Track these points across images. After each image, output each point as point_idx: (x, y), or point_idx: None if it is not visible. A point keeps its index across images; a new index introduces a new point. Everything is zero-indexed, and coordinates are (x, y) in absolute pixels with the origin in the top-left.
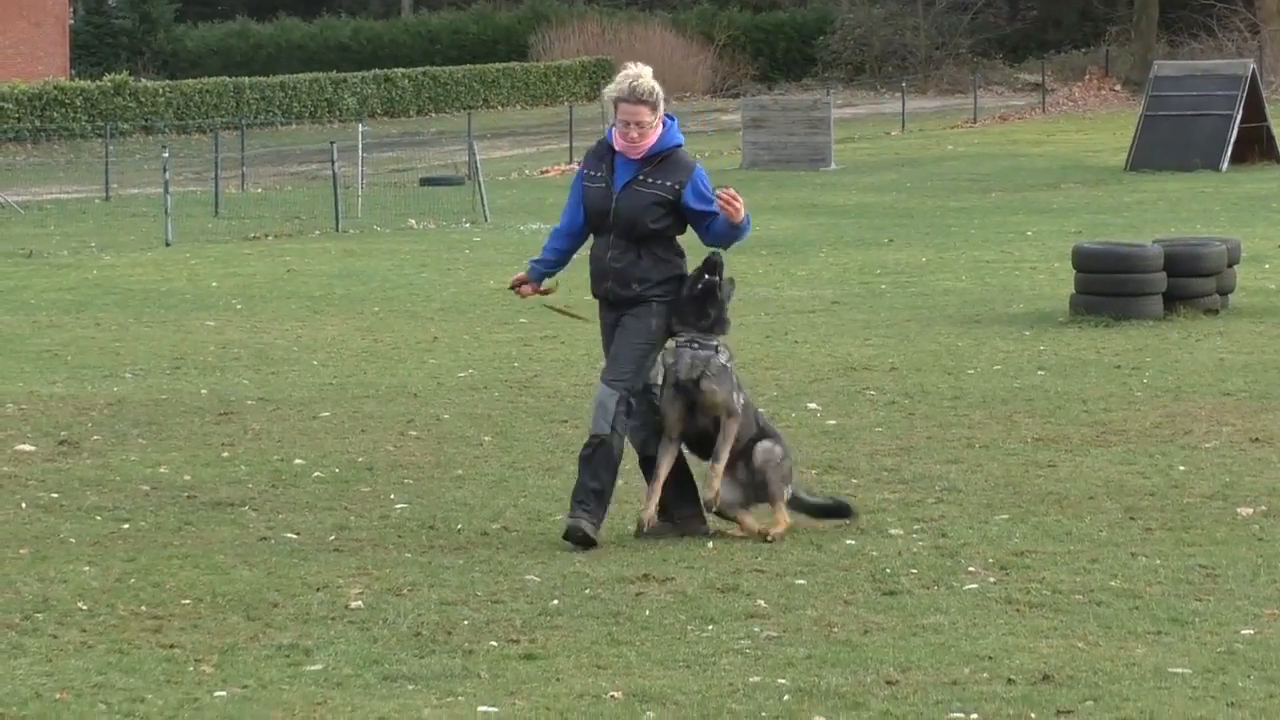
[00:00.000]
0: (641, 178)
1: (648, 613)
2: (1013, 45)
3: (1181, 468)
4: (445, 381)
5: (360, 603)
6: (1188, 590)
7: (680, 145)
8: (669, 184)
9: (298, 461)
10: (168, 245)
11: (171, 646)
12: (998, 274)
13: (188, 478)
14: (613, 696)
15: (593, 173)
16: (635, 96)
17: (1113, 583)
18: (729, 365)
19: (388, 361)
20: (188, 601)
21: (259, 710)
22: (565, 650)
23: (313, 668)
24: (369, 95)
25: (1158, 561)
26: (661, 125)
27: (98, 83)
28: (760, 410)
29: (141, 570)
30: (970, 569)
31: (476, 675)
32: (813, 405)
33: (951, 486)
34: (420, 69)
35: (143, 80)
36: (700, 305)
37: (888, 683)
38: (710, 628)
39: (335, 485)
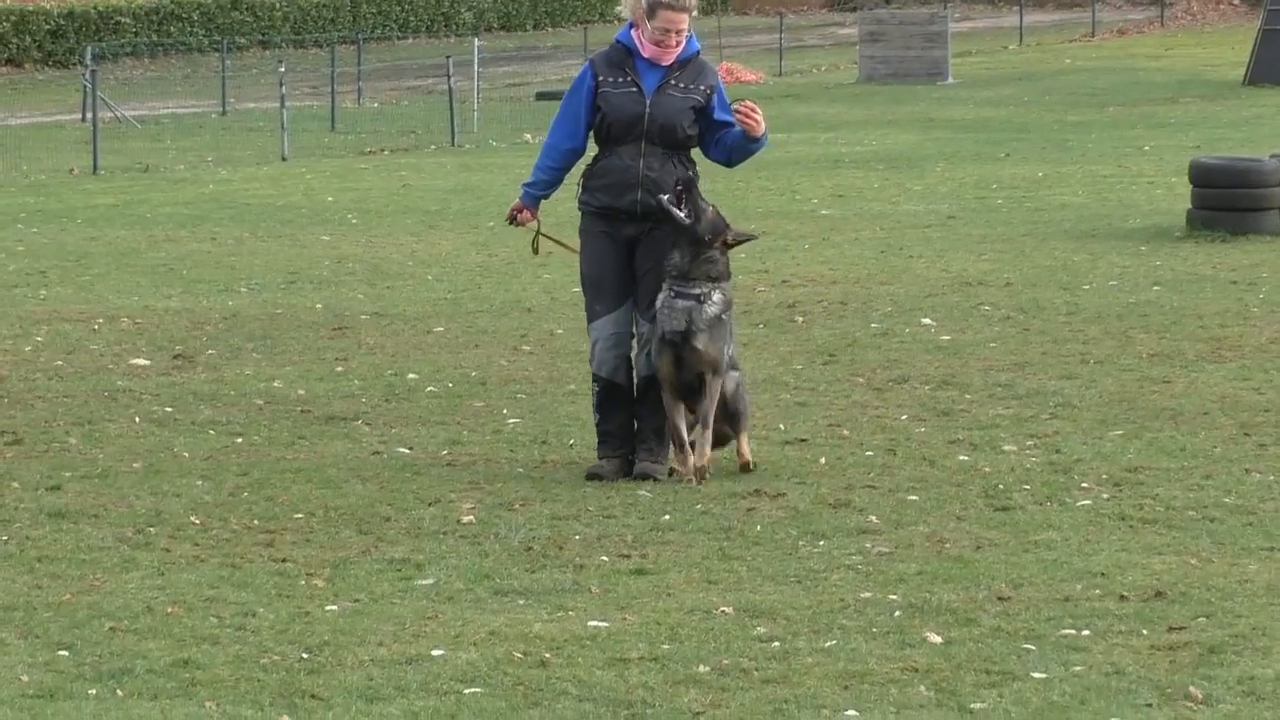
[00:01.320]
0: (673, 82)
1: (759, 528)
2: None
3: None
4: (559, 297)
5: (472, 517)
6: None
7: (699, 51)
8: (702, 88)
9: (411, 376)
10: (284, 160)
11: (283, 560)
12: (1114, 189)
13: (301, 392)
14: (723, 611)
15: (617, 79)
16: (681, 4)
17: (1226, 499)
18: (724, 316)
19: (502, 276)
20: (300, 516)
21: (370, 624)
22: (676, 565)
23: (424, 582)
24: (485, 9)
25: (1271, 478)
26: None
27: None
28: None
29: (254, 485)
30: (1083, 485)
31: (587, 590)
32: (927, 320)
33: (1066, 402)
34: None
35: None
36: (674, 251)
37: (999, 599)
38: (821, 543)
39: (448, 400)
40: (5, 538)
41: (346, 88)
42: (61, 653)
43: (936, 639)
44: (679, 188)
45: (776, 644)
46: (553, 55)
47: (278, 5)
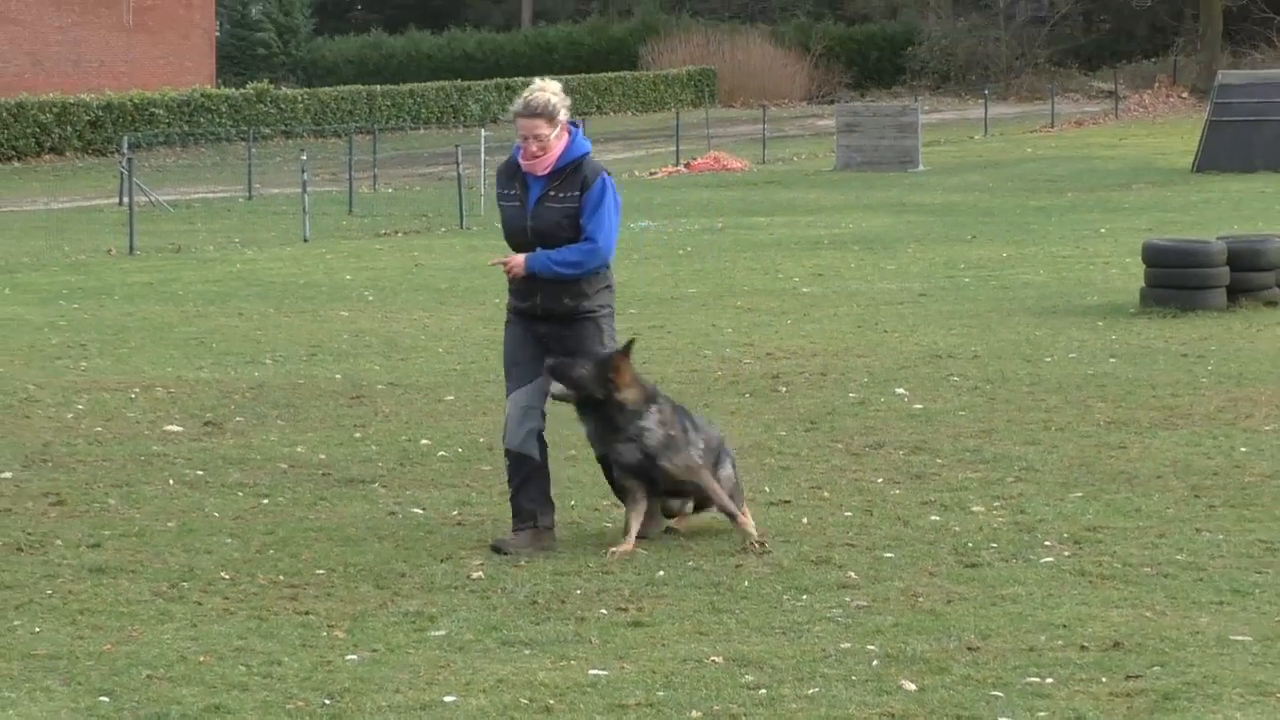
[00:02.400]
0: (551, 192)
1: (746, 583)
2: (1087, 55)
3: (1243, 449)
4: None
5: (481, 573)
6: (1249, 563)
7: (587, 154)
8: (576, 194)
9: (424, 442)
10: (305, 241)
11: (307, 613)
12: (1073, 268)
13: (323, 456)
14: (714, 661)
15: (506, 191)
16: (530, 110)
17: (1179, 556)
18: (667, 428)
19: None
20: (322, 571)
21: (388, 672)
22: (670, 618)
23: (437, 633)
24: (491, 102)
25: (1220, 536)
26: (567, 135)
27: (241, 90)
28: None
29: (280, 542)
30: (1046, 543)
31: (588, 641)
32: (900, 390)
33: (1029, 466)
34: (538, 78)
35: (283, 88)
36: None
37: (969, 649)
38: (804, 597)
39: (458, 464)
40: (50, 591)
41: (363, 174)
42: (102, 699)
43: (911, 686)
44: (552, 373)
45: (763, 691)
46: None
47: (300, 98)
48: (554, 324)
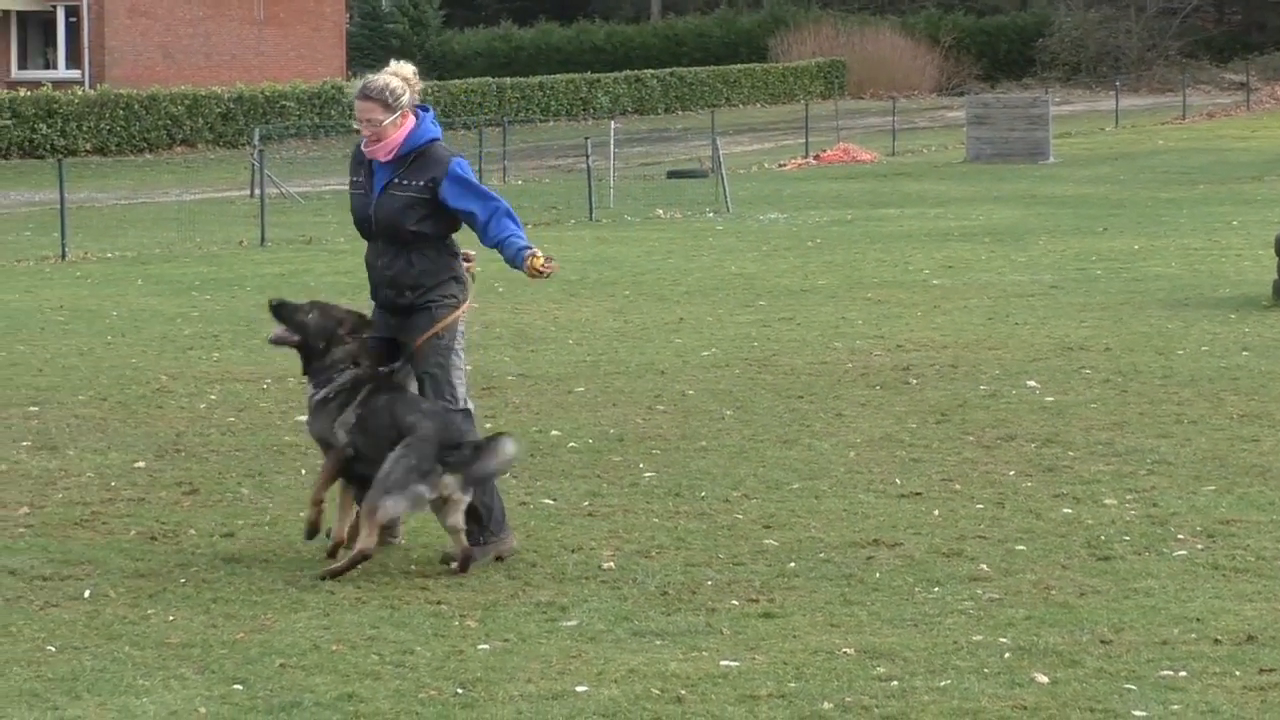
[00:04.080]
0: (396, 180)
1: (878, 575)
2: (1219, 47)
3: None
4: (690, 359)
5: (612, 563)
6: None
7: (436, 139)
8: (422, 183)
9: (554, 433)
10: None
11: (439, 603)
12: (1205, 261)
13: None
14: (845, 652)
15: (355, 179)
16: (364, 93)
17: None
18: (324, 398)
19: (637, 341)
20: (453, 562)
21: (519, 661)
22: (801, 609)
23: (568, 623)
24: (620, 94)
25: None
26: (410, 121)
27: None
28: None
29: (411, 532)
30: (1179, 536)
31: (719, 632)
32: (1032, 383)
33: (1162, 459)
34: (668, 70)
35: None
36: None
37: (1102, 642)
38: (936, 589)
39: (588, 455)
40: (183, 580)
41: (493, 167)
42: (236, 687)
43: (1044, 679)
44: (275, 312)
45: (895, 683)
46: (682, 137)
47: (429, 90)
48: (400, 317)
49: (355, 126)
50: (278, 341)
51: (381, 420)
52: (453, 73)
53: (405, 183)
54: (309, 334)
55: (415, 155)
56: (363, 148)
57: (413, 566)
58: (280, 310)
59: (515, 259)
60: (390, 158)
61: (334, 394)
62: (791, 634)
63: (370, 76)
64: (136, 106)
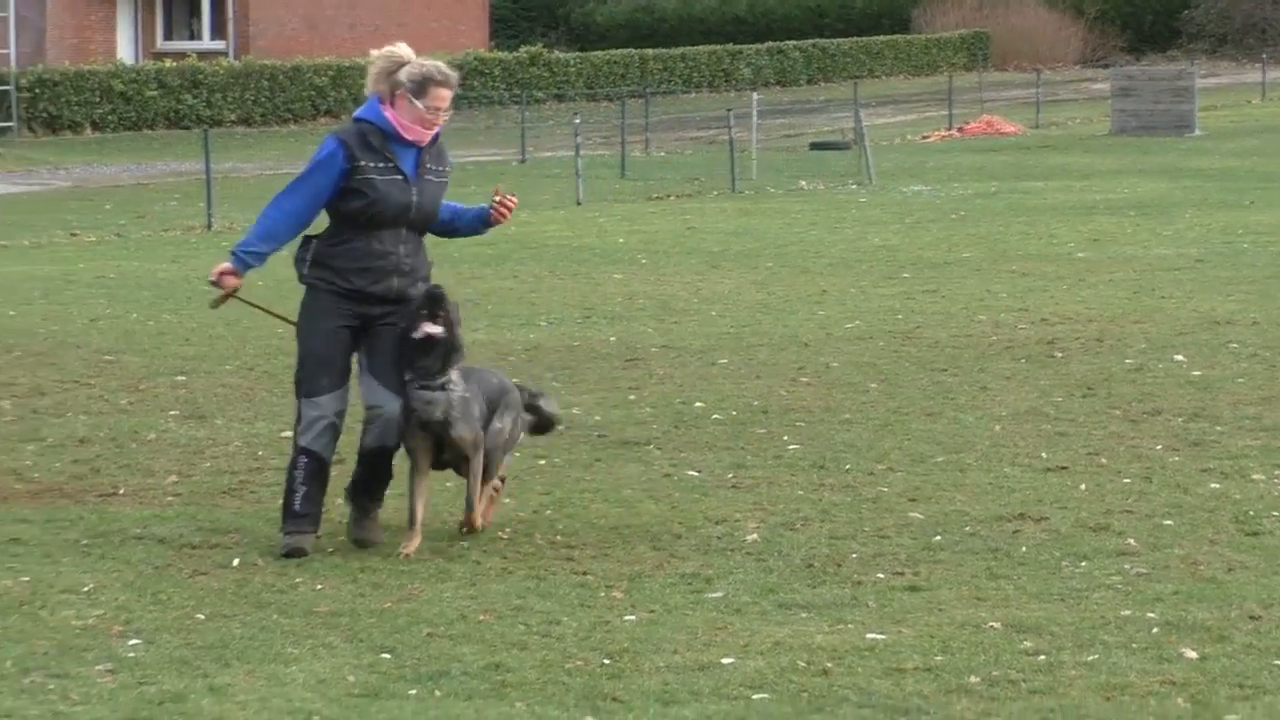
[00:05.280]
0: (428, 165)
1: (1024, 549)
2: None
3: None
4: (833, 332)
5: (756, 535)
6: None
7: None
8: (444, 169)
9: (698, 404)
10: (579, 204)
11: (585, 573)
12: None
13: (598, 418)
14: (992, 626)
15: (375, 163)
16: (449, 81)
17: None
18: (468, 395)
19: (780, 313)
20: (598, 532)
21: (665, 633)
22: (947, 583)
23: (713, 595)
24: (763, 66)
25: None
26: None
27: (515, 54)
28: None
29: (557, 503)
30: None
31: (865, 604)
32: (1179, 357)
33: None
34: (810, 41)
35: (556, 52)
36: (425, 355)
37: (1251, 618)
38: (1083, 564)
39: (732, 427)
40: (331, 549)
41: (636, 138)
42: (384, 655)
43: (1192, 654)
44: (431, 305)
45: (1042, 657)
46: (825, 108)
47: (572, 62)
48: (391, 305)
49: (428, 117)
50: (428, 339)
51: (482, 399)
52: (595, 44)
53: (434, 169)
54: (455, 329)
55: (438, 141)
56: (410, 134)
57: (558, 537)
58: (441, 302)
59: (481, 216)
60: (426, 143)
61: (469, 391)
62: (937, 607)
63: (434, 63)
64: (281, 77)
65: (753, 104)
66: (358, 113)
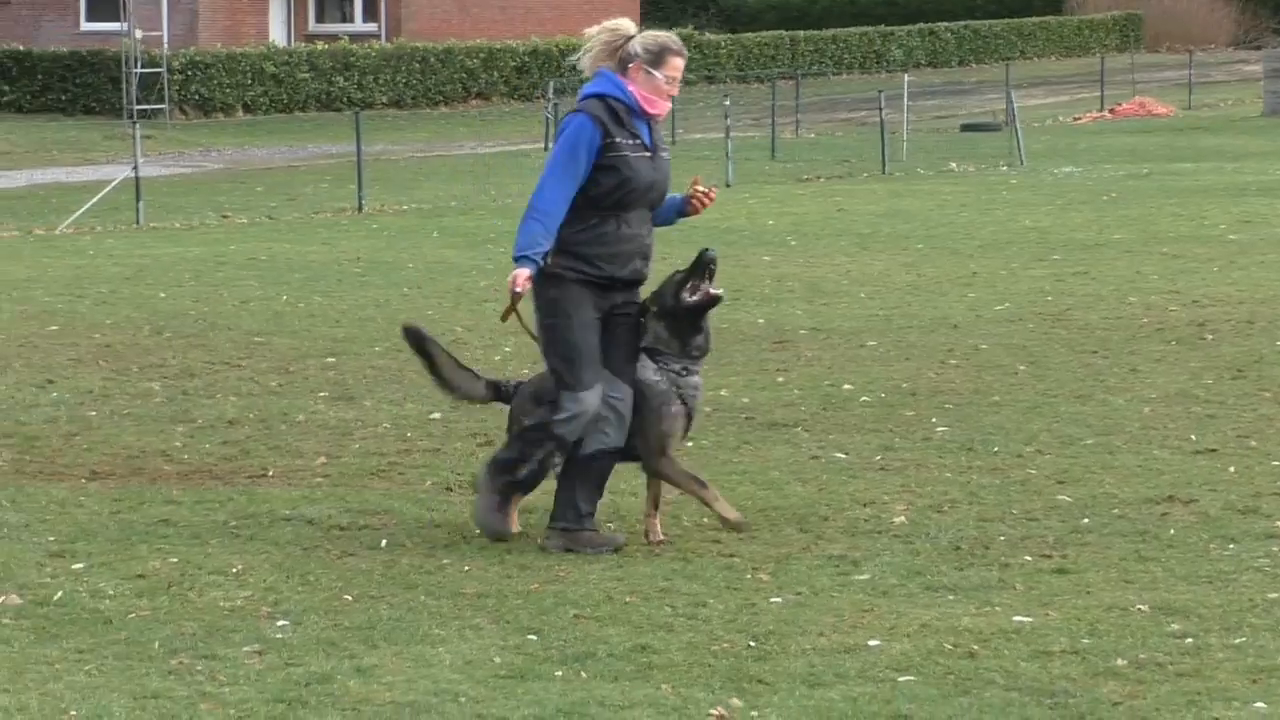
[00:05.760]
0: (660, 139)
1: (1172, 532)
2: None
3: None
4: (983, 314)
5: (904, 518)
6: None
7: None
8: (667, 144)
9: (846, 387)
10: (729, 186)
11: (731, 556)
12: None
13: (746, 400)
14: (1140, 609)
15: (625, 139)
16: (684, 50)
17: None
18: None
19: (929, 295)
20: (746, 514)
21: (812, 615)
22: (1095, 565)
23: (860, 577)
24: (914, 47)
25: None
26: None
27: None
28: None
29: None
30: None
31: (1012, 587)
32: None
33: None
34: (962, 23)
35: (706, 34)
36: (695, 325)
37: None
38: (1231, 546)
39: (881, 409)
40: (478, 531)
41: (786, 120)
42: (530, 637)
43: None
44: (713, 267)
45: (1189, 640)
46: (976, 90)
47: (723, 44)
48: (631, 291)
49: (666, 87)
50: (713, 300)
51: None
52: (746, 26)
53: (664, 144)
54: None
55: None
56: (653, 108)
57: (705, 520)
58: (715, 265)
59: (677, 205)
60: (662, 117)
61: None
62: (1085, 590)
63: (663, 33)
64: (432, 60)
65: (904, 85)
66: (592, 88)
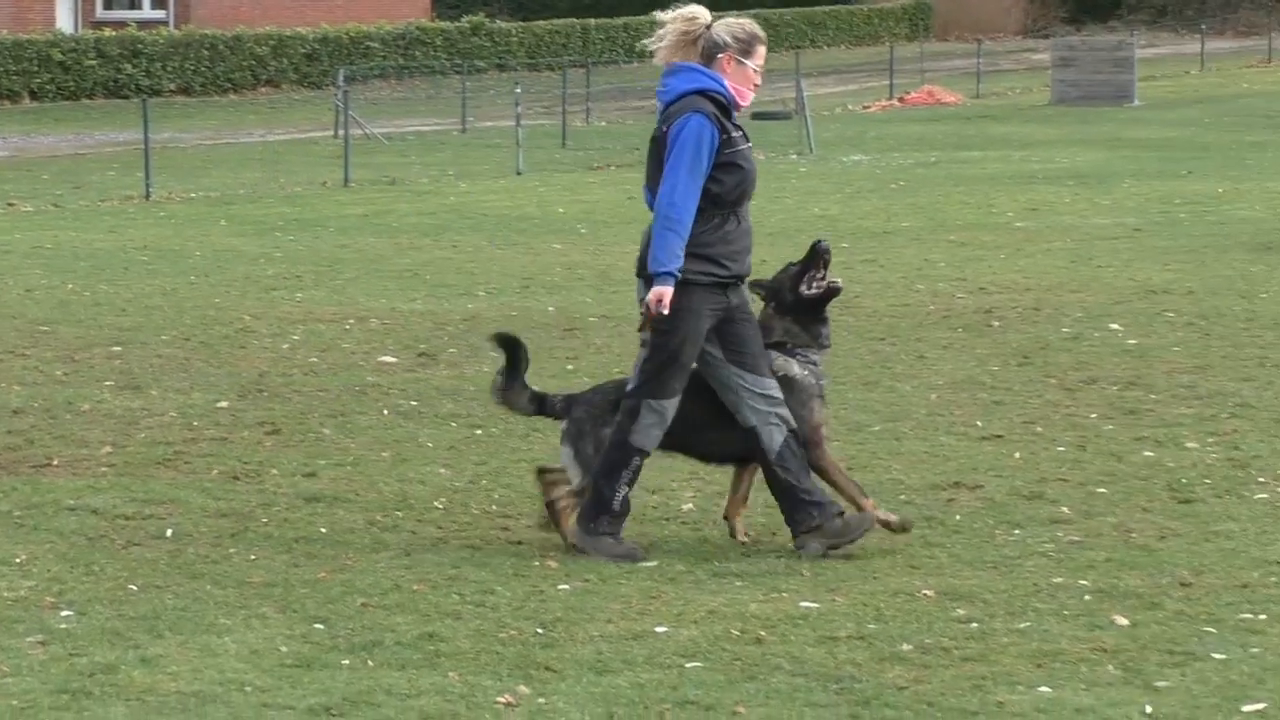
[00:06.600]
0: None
1: (958, 517)
2: None
3: None
4: None
5: (692, 505)
6: None
7: None
8: None
9: None
10: (519, 174)
11: (519, 543)
12: None
13: (535, 388)
14: (925, 594)
15: (736, 135)
16: (765, 35)
17: None
18: None
19: None
20: (535, 502)
21: (600, 602)
22: (881, 551)
23: (648, 564)
24: None
25: None
26: None
27: (456, 24)
28: None
29: (492, 473)
30: (1261, 480)
31: (799, 573)
32: (1115, 326)
33: (1244, 403)
34: (753, 11)
35: (498, 21)
36: (819, 316)
37: (1182, 585)
38: (1016, 532)
39: None
40: (265, 520)
41: (577, 108)
42: (317, 626)
43: (1124, 621)
44: (826, 258)
45: (975, 625)
46: (766, 78)
47: (514, 31)
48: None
49: (756, 78)
50: (836, 289)
51: None
52: (538, 14)
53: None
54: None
55: None
56: (744, 100)
57: (494, 507)
58: (829, 254)
59: None
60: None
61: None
62: (872, 575)
63: (743, 19)
64: (221, 47)
65: None
66: (688, 84)
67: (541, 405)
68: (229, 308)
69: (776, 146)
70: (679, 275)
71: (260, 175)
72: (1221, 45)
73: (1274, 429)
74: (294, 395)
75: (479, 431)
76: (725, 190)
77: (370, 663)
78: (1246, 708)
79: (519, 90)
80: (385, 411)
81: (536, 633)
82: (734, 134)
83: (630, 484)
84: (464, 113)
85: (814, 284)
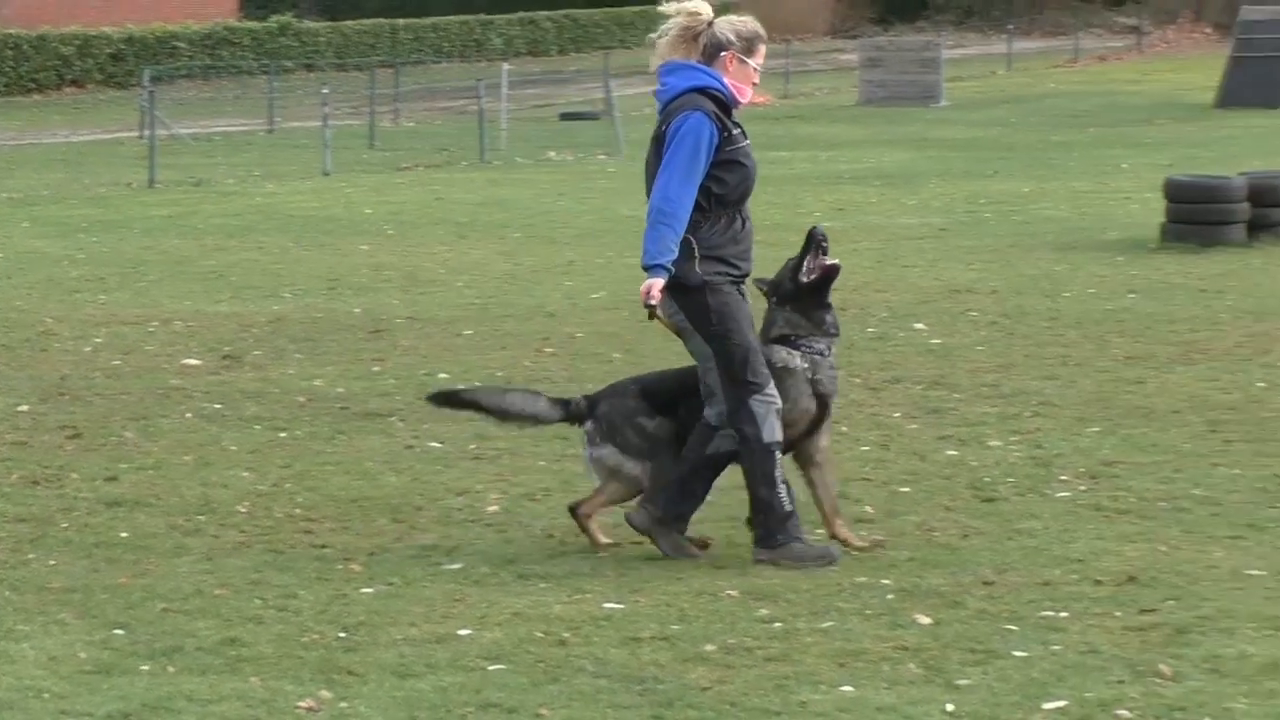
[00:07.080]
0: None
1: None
2: None
3: (1261, 384)
4: (579, 302)
5: (497, 507)
6: (1264, 498)
7: None
8: None
9: (442, 375)
10: (326, 175)
11: (323, 546)
12: (1094, 204)
13: (340, 390)
14: (729, 594)
15: (736, 133)
16: (765, 34)
17: (1195, 491)
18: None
19: (527, 283)
20: (339, 505)
21: (403, 605)
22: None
23: (452, 566)
24: (514, 36)
25: (1236, 471)
26: None
27: (264, 24)
28: None
29: (296, 476)
30: (1062, 478)
31: (604, 575)
32: (919, 325)
33: (1047, 401)
34: (562, 11)
35: (305, 21)
36: (821, 301)
37: (984, 583)
38: (819, 531)
39: None
40: (65, 525)
41: (385, 108)
42: (117, 631)
43: (926, 620)
44: (824, 244)
45: (778, 624)
46: (575, 79)
47: (322, 32)
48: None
49: (756, 77)
50: (836, 270)
51: None
52: (346, 14)
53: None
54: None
55: None
56: (745, 98)
57: (298, 511)
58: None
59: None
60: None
61: None
62: (675, 576)
63: (745, 17)
64: (25, 46)
65: (503, 74)
66: (688, 81)
67: (567, 410)
68: (31, 310)
69: (585, 147)
70: (671, 269)
71: (64, 176)
72: (1029, 45)
73: (1076, 427)
74: (96, 398)
75: (283, 435)
76: (728, 189)
77: (171, 668)
78: (1047, 705)
79: (326, 90)
80: (188, 415)
81: (339, 637)
82: (734, 131)
83: (784, 481)
84: (271, 113)
85: (812, 269)
